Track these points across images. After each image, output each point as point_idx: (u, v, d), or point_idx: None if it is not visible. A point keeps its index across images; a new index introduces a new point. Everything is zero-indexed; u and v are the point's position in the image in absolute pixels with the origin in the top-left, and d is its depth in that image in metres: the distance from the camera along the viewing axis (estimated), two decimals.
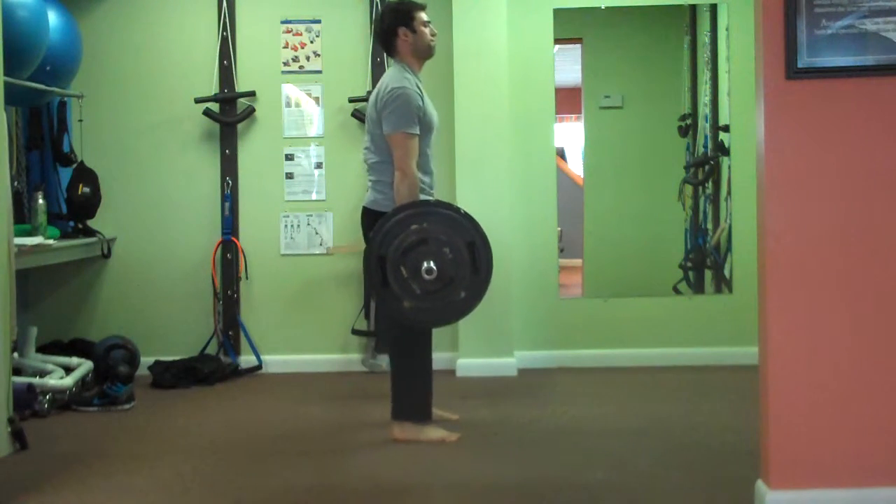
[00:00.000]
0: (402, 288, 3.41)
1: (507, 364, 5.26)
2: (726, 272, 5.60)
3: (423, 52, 4.03)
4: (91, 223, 5.36)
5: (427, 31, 4.01)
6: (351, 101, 5.48)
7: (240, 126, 5.56)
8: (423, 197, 3.83)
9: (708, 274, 5.80)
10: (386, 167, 3.88)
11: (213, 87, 5.53)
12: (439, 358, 5.26)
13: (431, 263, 3.35)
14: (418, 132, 3.84)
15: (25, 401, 4.30)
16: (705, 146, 5.72)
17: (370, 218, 3.89)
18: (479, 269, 3.48)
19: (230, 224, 5.53)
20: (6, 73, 4.06)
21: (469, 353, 5.31)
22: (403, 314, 3.51)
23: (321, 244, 5.55)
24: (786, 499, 2.83)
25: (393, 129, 3.81)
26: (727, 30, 5.49)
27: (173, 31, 5.60)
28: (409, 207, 3.64)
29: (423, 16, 4.03)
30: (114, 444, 4.02)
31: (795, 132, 2.83)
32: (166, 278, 5.58)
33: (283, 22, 5.57)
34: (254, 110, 5.54)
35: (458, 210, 3.68)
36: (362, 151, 4.08)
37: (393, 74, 3.96)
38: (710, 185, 5.73)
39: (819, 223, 2.84)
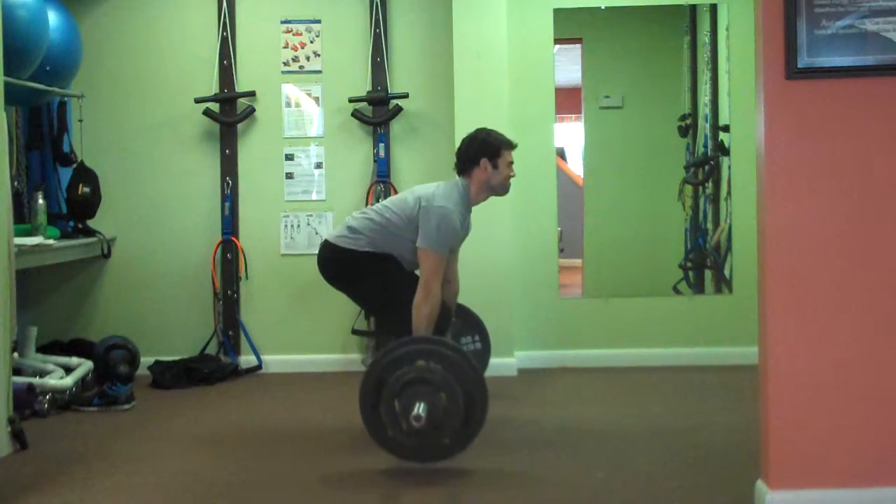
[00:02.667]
0: (390, 419, 3.41)
1: (507, 364, 5.26)
2: (726, 272, 5.60)
3: (497, 190, 4.07)
4: (91, 223, 5.36)
5: (508, 172, 4.04)
6: (351, 101, 5.48)
7: (240, 126, 5.56)
8: None
9: (708, 274, 5.80)
10: (383, 235, 3.93)
11: (213, 87, 5.53)
12: None
13: (421, 411, 3.32)
14: (447, 255, 3.91)
15: (25, 401, 4.30)
16: (705, 146, 5.72)
17: (329, 251, 3.99)
18: (469, 423, 3.47)
19: (230, 224, 5.53)
20: (6, 73, 4.06)
21: None
22: (384, 441, 3.51)
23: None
24: (786, 499, 2.83)
25: (428, 246, 3.84)
26: (727, 30, 5.49)
27: (173, 31, 5.60)
28: (424, 342, 3.62)
29: (510, 156, 4.04)
30: (114, 444, 4.02)
31: (795, 132, 2.83)
32: (166, 278, 5.58)
33: (283, 22, 5.57)
34: (254, 110, 5.54)
35: (468, 359, 3.61)
36: (375, 208, 4.09)
37: (451, 193, 3.95)
38: (710, 185, 5.73)
39: (819, 223, 2.84)
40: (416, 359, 3.46)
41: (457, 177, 4.08)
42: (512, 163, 4.06)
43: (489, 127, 4.13)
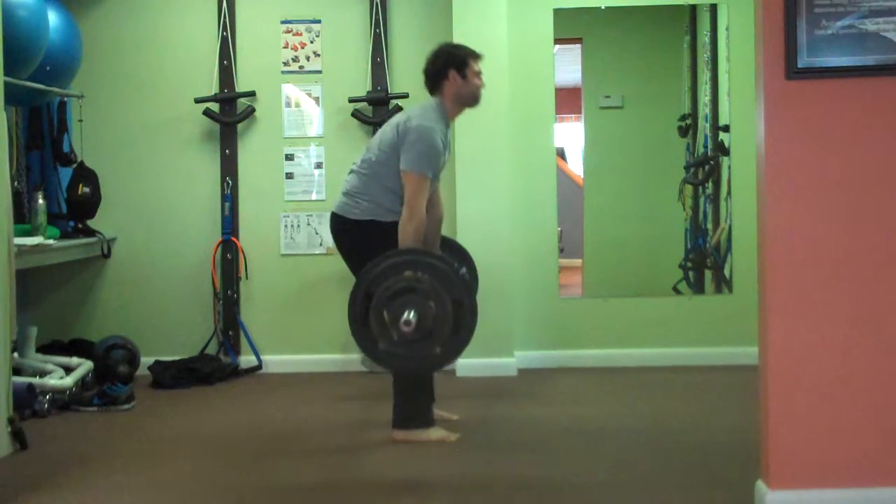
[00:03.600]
0: (381, 331, 3.40)
1: (507, 364, 5.26)
2: (726, 272, 5.60)
3: (468, 100, 4.01)
4: (91, 223, 5.36)
5: (478, 81, 4.00)
6: (351, 101, 5.48)
7: (240, 126, 5.56)
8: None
9: (708, 274, 5.80)
10: (374, 185, 3.89)
11: (213, 87, 5.53)
12: None
13: (412, 315, 3.32)
14: (431, 177, 3.86)
15: (25, 401, 4.30)
16: (705, 146, 5.72)
17: (340, 223, 3.97)
18: (459, 330, 3.46)
19: (230, 224, 5.53)
20: (6, 73, 4.06)
21: (469, 353, 5.20)
22: (376, 355, 3.50)
23: (321, 244, 5.55)
24: (786, 499, 2.83)
25: (411, 167, 3.81)
26: (727, 30, 5.49)
27: (173, 31, 5.60)
28: (409, 253, 3.61)
29: (477, 66, 4.01)
30: (114, 444, 4.02)
31: (795, 132, 2.83)
32: (166, 278, 5.58)
33: (283, 22, 5.57)
34: (254, 110, 5.54)
35: (455, 268, 3.62)
36: (360, 159, 4.04)
37: (427, 111, 3.93)
38: (710, 185, 5.73)
39: (819, 223, 2.84)
40: (402, 269, 3.45)
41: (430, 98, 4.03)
42: (480, 72, 4.01)
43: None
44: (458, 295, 3.44)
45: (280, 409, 4.66)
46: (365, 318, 3.43)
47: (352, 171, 4.03)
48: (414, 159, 3.81)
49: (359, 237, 3.92)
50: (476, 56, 4.02)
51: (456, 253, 4.53)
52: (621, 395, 4.79)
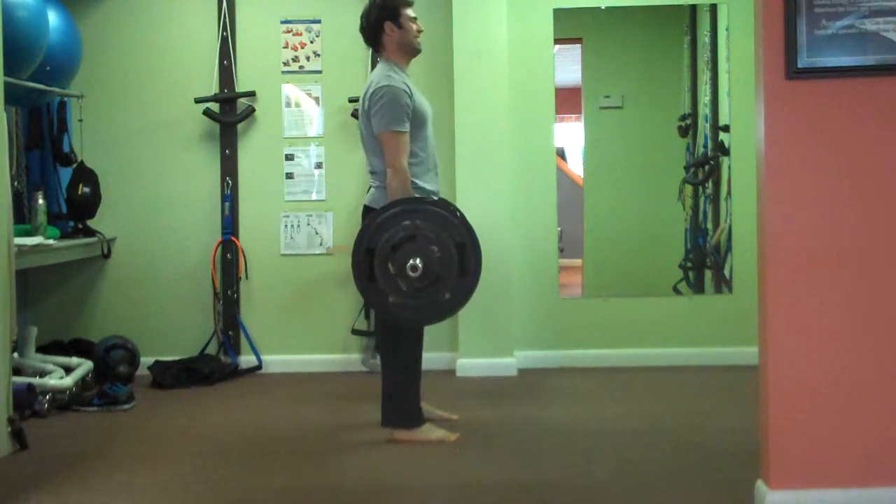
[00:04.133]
0: (388, 283, 3.38)
1: (507, 364, 5.26)
2: (726, 272, 5.60)
3: (409, 48, 4.00)
4: (91, 223, 5.36)
5: (414, 27, 4.00)
6: (351, 101, 5.47)
7: (240, 126, 5.56)
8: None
9: (708, 274, 5.80)
10: (378, 163, 3.87)
11: (213, 87, 5.53)
12: (439, 358, 5.32)
13: (417, 261, 3.31)
14: (407, 129, 3.81)
15: (25, 401, 4.30)
16: (705, 146, 5.72)
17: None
18: (466, 272, 3.43)
19: (230, 224, 5.53)
20: (6, 73, 4.06)
21: (469, 353, 5.31)
22: (387, 309, 3.48)
23: (321, 244, 5.55)
24: (786, 499, 2.83)
25: (382, 127, 3.79)
26: (727, 30, 5.49)
27: (173, 31, 5.60)
28: (403, 203, 3.61)
29: (410, 12, 4.01)
30: (114, 444, 4.02)
31: (795, 132, 2.83)
32: (166, 278, 5.58)
33: (283, 22, 5.57)
34: (254, 110, 5.54)
35: (452, 209, 3.64)
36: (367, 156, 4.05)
37: (378, 73, 3.93)
38: (710, 185, 5.73)
39: (819, 223, 2.84)
40: (401, 220, 3.44)
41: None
42: (415, 18, 4.01)
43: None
44: (461, 237, 3.42)
45: (280, 409, 4.66)
46: (371, 275, 3.41)
47: (369, 166, 4.00)
48: (381, 119, 3.79)
49: None
50: (407, 3, 4.00)
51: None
52: (621, 395, 4.79)
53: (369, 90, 3.86)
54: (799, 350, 2.84)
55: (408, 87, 3.88)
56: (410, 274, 3.28)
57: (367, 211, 3.93)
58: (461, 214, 3.68)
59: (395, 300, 3.41)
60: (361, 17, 4.05)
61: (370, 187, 3.98)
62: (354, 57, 5.54)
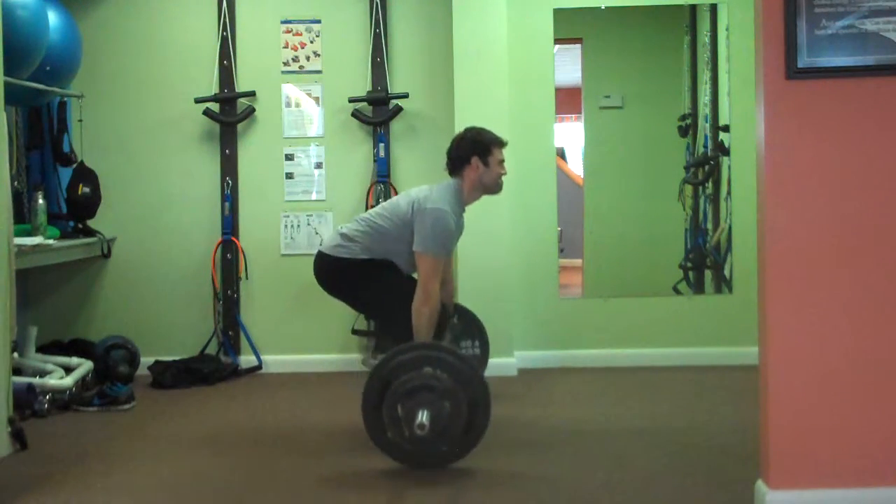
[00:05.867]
0: (391, 422, 3.39)
1: (507, 364, 5.25)
2: (726, 272, 5.60)
3: (488, 189, 4.06)
4: (91, 223, 5.36)
5: (500, 170, 4.04)
6: (351, 101, 5.48)
7: (240, 126, 5.56)
8: None
9: (708, 274, 5.80)
10: (377, 240, 3.95)
11: (213, 87, 5.53)
12: None
13: (425, 418, 3.30)
14: (446, 257, 3.95)
15: (25, 401, 4.30)
16: (705, 146, 5.72)
17: (327, 263, 4.01)
18: (470, 431, 3.46)
19: (230, 224, 5.53)
20: (6, 73, 4.06)
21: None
22: (382, 442, 3.50)
23: (321, 244, 5.53)
24: (786, 499, 2.83)
25: (425, 249, 3.86)
26: (727, 30, 5.49)
27: (173, 31, 5.60)
28: (429, 349, 3.60)
29: (501, 154, 4.04)
30: (114, 444, 4.02)
31: (795, 132, 2.83)
32: (166, 278, 5.58)
33: (283, 22, 5.57)
34: (254, 110, 5.54)
35: (474, 367, 3.61)
36: (367, 215, 4.09)
37: (444, 194, 3.96)
38: (710, 185, 5.73)
39: (819, 223, 2.83)
40: (423, 365, 3.45)
41: (449, 178, 4.08)
42: (503, 161, 4.06)
43: (484, 126, 4.12)
44: (475, 396, 3.44)
45: (280, 409, 4.66)
46: (378, 406, 3.43)
47: (356, 223, 4.06)
48: (429, 242, 3.86)
49: (345, 271, 3.98)
50: (501, 143, 4.05)
51: (471, 326, 4.59)
52: (621, 395, 4.79)
53: (427, 202, 3.90)
54: (799, 350, 2.84)
55: (458, 222, 3.97)
56: (417, 432, 3.29)
57: (323, 257, 4.02)
58: (481, 374, 3.68)
59: (392, 437, 3.43)
60: (452, 141, 4.10)
61: (339, 234, 4.04)
62: (354, 57, 5.54)
